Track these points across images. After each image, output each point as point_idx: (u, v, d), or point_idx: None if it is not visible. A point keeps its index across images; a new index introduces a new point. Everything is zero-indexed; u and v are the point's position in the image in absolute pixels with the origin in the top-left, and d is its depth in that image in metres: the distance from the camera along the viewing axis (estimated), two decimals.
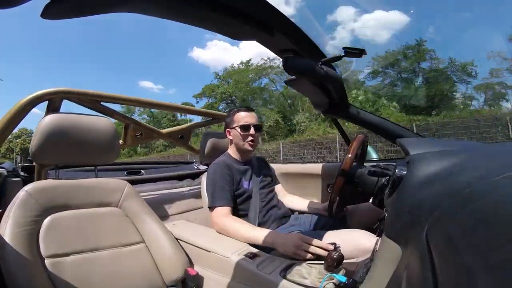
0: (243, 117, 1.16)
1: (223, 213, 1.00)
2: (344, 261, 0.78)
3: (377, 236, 0.73)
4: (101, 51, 45.46)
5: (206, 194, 1.12)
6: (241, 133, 1.14)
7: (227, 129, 1.21)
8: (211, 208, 1.03)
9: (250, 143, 1.15)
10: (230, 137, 1.20)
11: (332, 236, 0.89)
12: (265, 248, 0.94)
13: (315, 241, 0.81)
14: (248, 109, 1.21)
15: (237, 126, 1.15)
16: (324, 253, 0.77)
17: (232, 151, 1.22)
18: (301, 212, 1.24)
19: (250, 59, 19.58)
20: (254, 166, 1.22)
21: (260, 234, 0.92)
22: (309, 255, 0.80)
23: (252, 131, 1.14)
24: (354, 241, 0.84)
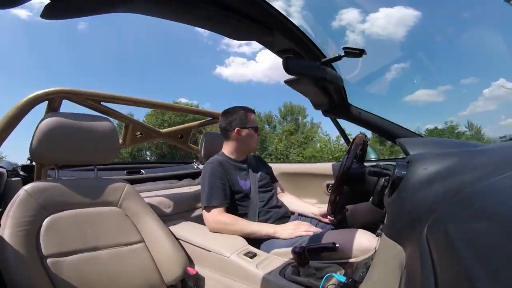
0: (254, 119, 1.20)
1: (217, 212, 1.01)
2: (344, 261, 0.78)
3: (377, 236, 0.73)
4: (133, 76, 45.87)
5: None
6: (255, 134, 1.19)
7: (237, 128, 1.15)
8: (207, 208, 1.02)
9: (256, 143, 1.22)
10: (239, 136, 1.16)
11: (332, 236, 0.89)
12: (264, 247, 0.94)
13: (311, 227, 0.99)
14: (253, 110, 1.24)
15: (251, 127, 1.17)
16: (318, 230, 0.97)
17: (231, 150, 1.19)
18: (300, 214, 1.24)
19: None
20: (251, 164, 1.22)
21: (258, 227, 0.98)
22: (307, 231, 0.95)
23: (258, 132, 1.21)
24: (354, 241, 0.84)
